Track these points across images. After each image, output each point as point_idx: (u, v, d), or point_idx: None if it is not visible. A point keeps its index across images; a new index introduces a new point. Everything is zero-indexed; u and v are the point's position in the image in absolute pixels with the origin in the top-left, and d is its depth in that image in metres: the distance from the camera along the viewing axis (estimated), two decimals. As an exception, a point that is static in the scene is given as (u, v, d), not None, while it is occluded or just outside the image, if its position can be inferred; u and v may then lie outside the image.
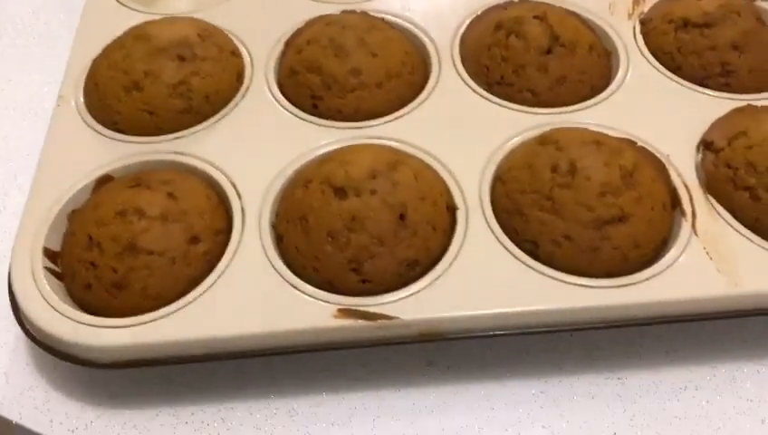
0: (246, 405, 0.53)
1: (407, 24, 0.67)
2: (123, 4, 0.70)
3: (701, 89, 0.61)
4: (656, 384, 0.53)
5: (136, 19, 0.67)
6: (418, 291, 0.50)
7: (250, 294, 0.50)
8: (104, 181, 0.56)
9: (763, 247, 0.51)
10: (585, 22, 0.66)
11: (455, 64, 0.64)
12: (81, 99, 0.62)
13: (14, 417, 0.52)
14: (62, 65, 0.66)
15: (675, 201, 0.54)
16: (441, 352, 0.56)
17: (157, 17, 0.67)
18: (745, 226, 0.52)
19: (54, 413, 0.52)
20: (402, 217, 0.51)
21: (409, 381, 0.54)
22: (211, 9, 0.68)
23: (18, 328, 0.51)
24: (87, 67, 0.63)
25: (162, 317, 0.49)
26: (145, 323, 0.48)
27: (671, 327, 0.56)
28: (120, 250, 0.50)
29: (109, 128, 0.60)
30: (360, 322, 0.48)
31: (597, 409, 0.52)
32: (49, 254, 0.53)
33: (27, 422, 0.51)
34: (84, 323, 0.48)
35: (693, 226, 0.52)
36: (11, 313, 0.51)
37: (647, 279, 0.49)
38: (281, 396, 0.54)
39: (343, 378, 0.54)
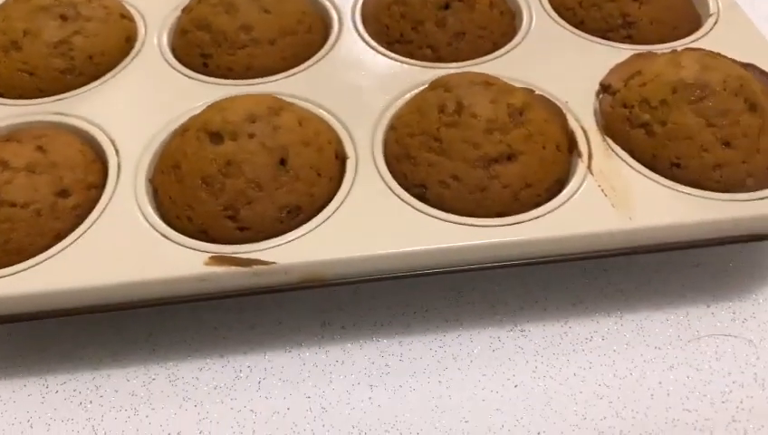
0: (123, 371, 0.50)
1: (307, -11, 0.66)
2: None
3: (601, 40, 0.59)
4: (560, 336, 0.51)
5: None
6: (300, 236, 0.47)
7: (119, 246, 0.46)
8: (-23, 143, 0.53)
9: (658, 182, 0.49)
10: (488, -16, 0.65)
11: (355, 25, 0.62)
12: (-38, 65, 0.59)
13: None
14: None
15: (571, 145, 0.52)
16: (336, 312, 0.53)
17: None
18: (643, 164, 0.50)
19: None
20: (283, 161, 0.48)
21: (301, 343, 0.51)
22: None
23: None
24: (-29, 36, 0.61)
25: (22, 270, 0.45)
26: (3, 276, 0.45)
27: (577, 278, 0.54)
28: (-21, 204, 0.47)
29: (-12, 92, 0.57)
30: (234, 268, 0.45)
31: (497, 362, 0.49)
32: None
33: None
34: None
35: (589, 166, 0.50)
36: None
37: (538, 217, 0.47)
38: (161, 361, 0.50)
39: (230, 341, 0.51)
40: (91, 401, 0.48)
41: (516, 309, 0.52)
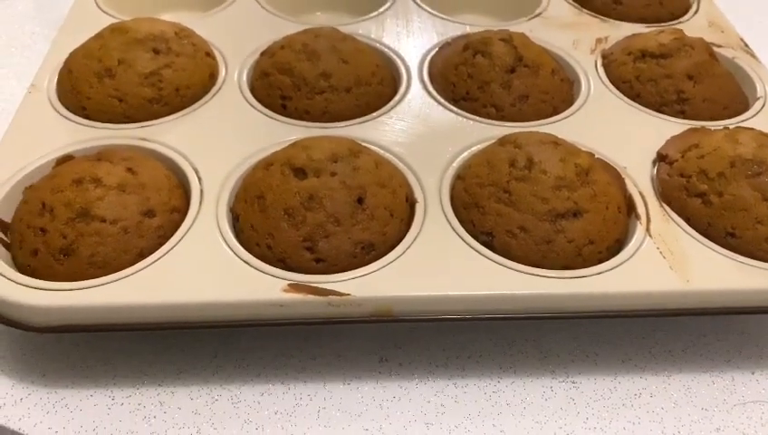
0: (187, 390, 0.51)
1: (379, 46, 0.70)
2: (105, 12, 0.72)
3: (656, 113, 0.63)
4: (610, 390, 0.52)
5: (117, 24, 0.69)
6: (373, 271, 0.49)
7: (201, 268, 0.49)
8: (65, 161, 0.56)
9: (714, 250, 0.51)
10: (550, 54, 0.69)
11: (423, 81, 0.66)
12: (54, 86, 0.62)
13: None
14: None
15: (630, 208, 0.55)
16: (395, 349, 0.54)
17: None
18: (699, 232, 0.53)
19: (-17, 389, 0.49)
20: (360, 200, 0.51)
21: (359, 376, 0.53)
22: (193, 21, 0.71)
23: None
24: (63, 60, 0.64)
25: (108, 283, 0.47)
26: (88, 287, 0.47)
27: (626, 336, 0.56)
28: (72, 216, 0.49)
29: (77, 114, 0.60)
30: (310, 297, 0.47)
31: (550, 410, 0.51)
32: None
33: (-48, 397, 0.49)
34: (22, 284, 0.47)
35: (647, 229, 0.53)
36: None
37: (600, 272, 0.49)
38: (225, 383, 0.52)
39: (291, 369, 0.53)
40: (155, 416, 0.49)
41: (568, 362, 0.54)
